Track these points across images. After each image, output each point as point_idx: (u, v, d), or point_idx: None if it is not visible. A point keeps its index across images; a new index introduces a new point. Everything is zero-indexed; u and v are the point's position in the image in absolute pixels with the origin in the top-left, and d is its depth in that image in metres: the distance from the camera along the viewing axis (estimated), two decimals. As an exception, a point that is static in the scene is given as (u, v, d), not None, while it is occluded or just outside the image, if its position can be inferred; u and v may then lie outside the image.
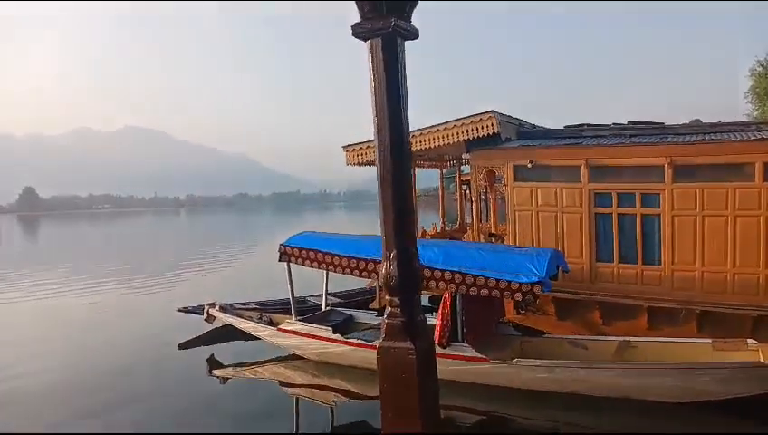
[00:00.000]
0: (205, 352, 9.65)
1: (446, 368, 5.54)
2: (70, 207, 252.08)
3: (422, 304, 3.41)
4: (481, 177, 9.91)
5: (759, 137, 8.38)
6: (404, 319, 3.16)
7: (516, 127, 10.36)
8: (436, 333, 6.93)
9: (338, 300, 11.46)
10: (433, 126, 10.12)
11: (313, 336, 8.34)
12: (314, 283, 11.15)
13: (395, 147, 3.11)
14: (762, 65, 30.19)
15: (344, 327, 8.67)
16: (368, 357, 7.68)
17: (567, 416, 6.57)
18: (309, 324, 8.53)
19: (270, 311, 10.18)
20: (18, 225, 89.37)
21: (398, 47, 3.04)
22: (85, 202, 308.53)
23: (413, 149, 9.61)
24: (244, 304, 11.03)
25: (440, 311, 7.08)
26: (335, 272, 8.33)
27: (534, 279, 6.61)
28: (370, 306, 10.97)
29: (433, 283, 7.09)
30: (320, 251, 8.30)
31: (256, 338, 9.26)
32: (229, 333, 9.95)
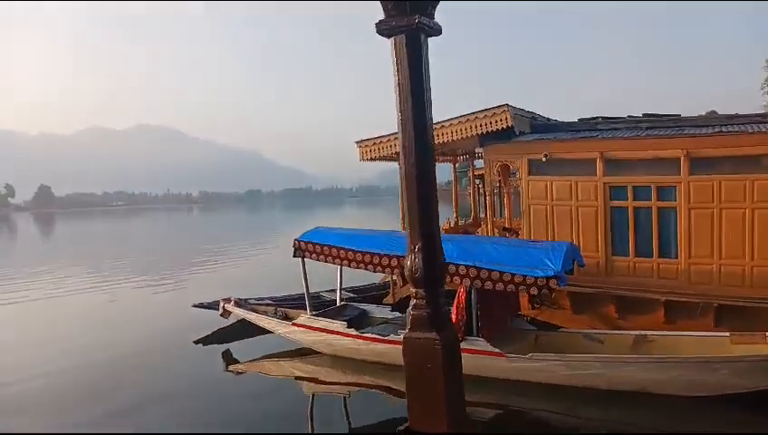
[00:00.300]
0: (220, 347, 9.73)
1: (461, 362, 5.54)
2: (84, 205, 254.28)
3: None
4: (495, 171, 9.84)
5: (777, 128, 8.27)
6: (429, 311, 3.19)
7: (530, 120, 10.31)
8: (452, 327, 6.92)
9: (352, 295, 11.49)
10: (446, 120, 10.07)
11: (328, 331, 8.37)
12: (325, 280, 11.20)
13: (419, 141, 3.12)
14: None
15: (358, 322, 8.70)
16: (382, 351, 7.71)
17: (583, 410, 6.53)
18: (323, 319, 8.58)
19: (285, 306, 10.23)
20: (35, 223, 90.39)
21: (421, 44, 3.05)
22: (99, 199, 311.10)
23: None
24: (258, 299, 11.09)
25: (455, 305, 7.06)
26: (349, 267, 8.34)
27: (550, 273, 6.57)
28: (384, 301, 10.99)
29: (447, 277, 7.08)
30: (334, 246, 8.34)
31: (271, 333, 9.32)
32: (244, 329, 10.02)
